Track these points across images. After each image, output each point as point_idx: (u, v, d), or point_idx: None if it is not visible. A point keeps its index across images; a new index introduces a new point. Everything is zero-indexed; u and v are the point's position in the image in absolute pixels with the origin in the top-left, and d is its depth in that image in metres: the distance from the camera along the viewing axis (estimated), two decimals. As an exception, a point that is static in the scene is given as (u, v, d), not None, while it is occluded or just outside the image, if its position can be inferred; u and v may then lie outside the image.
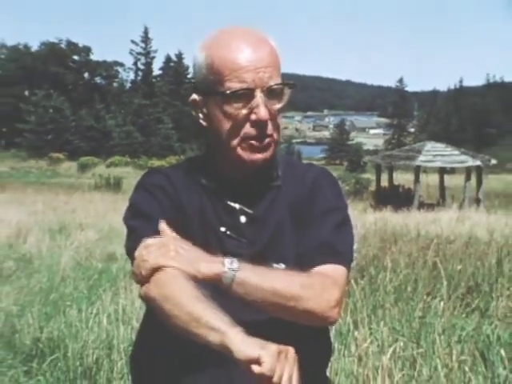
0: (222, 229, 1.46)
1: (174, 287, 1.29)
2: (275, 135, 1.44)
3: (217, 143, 1.47)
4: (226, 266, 1.31)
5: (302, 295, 1.33)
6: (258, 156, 1.43)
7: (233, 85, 1.38)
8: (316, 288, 1.35)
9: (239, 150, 1.42)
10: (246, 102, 1.39)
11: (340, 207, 1.52)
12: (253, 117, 1.40)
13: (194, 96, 1.48)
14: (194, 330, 1.23)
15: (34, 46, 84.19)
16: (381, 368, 3.02)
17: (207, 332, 1.21)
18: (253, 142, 1.42)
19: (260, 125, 1.40)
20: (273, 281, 1.33)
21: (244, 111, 1.40)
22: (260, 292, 1.32)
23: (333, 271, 1.40)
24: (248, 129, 1.41)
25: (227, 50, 1.40)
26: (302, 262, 1.41)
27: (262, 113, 1.39)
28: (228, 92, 1.38)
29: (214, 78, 1.41)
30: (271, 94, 1.41)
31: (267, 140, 1.43)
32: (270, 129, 1.42)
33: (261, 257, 1.42)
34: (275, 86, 1.41)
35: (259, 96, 1.39)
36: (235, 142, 1.42)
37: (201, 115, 1.48)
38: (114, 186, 31.78)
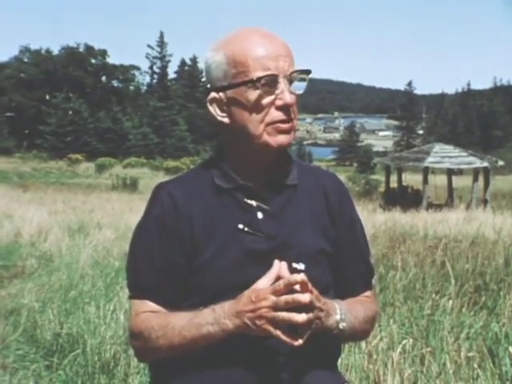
0: (240, 226, 1.48)
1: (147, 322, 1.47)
2: (295, 121, 1.49)
3: (238, 137, 1.49)
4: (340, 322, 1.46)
5: (374, 321, 1.64)
6: (284, 138, 1.47)
7: (257, 73, 1.43)
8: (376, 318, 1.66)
9: (265, 136, 1.46)
10: (269, 89, 1.44)
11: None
12: (278, 102, 1.45)
13: (213, 94, 1.50)
14: (192, 335, 1.40)
15: (55, 51, 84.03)
16: (390, 364, 3.04)
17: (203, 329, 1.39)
18: (279, 124, 1.46)
19: (286, 109, 1.45)
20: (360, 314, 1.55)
21: (269, 97, 1.45)
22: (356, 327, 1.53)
23: (374, 297, 1.71)
24: (273, 114, 1.45)
25: (246, 43, 1.45)
26: (346, 280, 1.61)
27: (288, 97, 1.44)
28: (255, 78, 1.43)
29: (237, 71, 1.45)
30: (291, 81, 1.46)
31: (291, 123, 1.47)
32: (294, 113, 1.48)
33: (279, 253, 1.46)
34: (295, 74, 1.47)
35: (283, 82, 1.45)
36: (261, 128, 1.45)
37: (220, 112, 1.50)
38: (131, 186, 32.00)
